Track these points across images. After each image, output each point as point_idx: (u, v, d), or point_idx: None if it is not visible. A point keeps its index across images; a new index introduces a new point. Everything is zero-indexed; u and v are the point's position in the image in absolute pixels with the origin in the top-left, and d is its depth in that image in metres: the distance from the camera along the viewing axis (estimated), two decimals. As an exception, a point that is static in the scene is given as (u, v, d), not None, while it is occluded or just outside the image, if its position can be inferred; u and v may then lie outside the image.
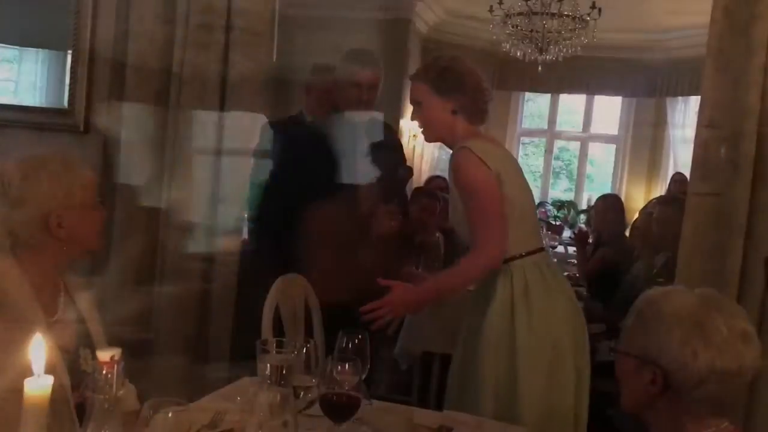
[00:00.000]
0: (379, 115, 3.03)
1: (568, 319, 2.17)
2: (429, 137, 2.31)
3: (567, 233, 7.90)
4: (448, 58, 2.30)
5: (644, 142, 8.27)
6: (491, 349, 2.11)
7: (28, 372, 0.89)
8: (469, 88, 2.21)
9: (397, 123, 7.15)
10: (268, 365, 1.21)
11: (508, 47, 5.90)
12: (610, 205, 4.96)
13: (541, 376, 2.09)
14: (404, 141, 7.60)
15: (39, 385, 0.86)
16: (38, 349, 0.89)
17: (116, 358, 1.01)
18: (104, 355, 1.00)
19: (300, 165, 2.95)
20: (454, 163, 2.18)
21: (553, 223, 8.23)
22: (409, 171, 2.75)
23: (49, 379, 0.86)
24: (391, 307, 2.11)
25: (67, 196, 1.60)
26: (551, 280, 2.18)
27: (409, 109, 8.64)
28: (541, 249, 2.25)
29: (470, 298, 2.29)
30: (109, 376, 0.98)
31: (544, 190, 8.96)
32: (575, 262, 5.40)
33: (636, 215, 5.48)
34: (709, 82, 2.27)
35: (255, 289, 2.45)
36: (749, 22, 2.19)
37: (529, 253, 2.16)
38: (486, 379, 2.11)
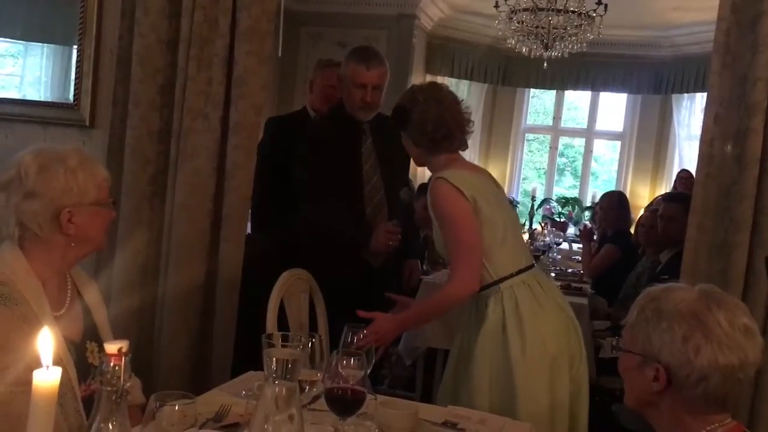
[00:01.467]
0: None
1: (562, 333, 2.18)
2: (416, 163, 2.44)
3: (572, 230, 7.90)
4: (404, 94, 2.36)
5: (649, 138, 8.25)
6: (485, 372, 2.14)
7: (35, 365, 0.89)
8: (416, 122, 2.25)
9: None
10: (274, 359, 1.21)
11: (513, 43, 5.88)
12: (615, 201, 4.96)
13: (538, 392, 2.11)
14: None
15: (48, 377, 0.86)
16: (46, 341, 0.90)
17: (124, 350, 1.01)
18: (112, 347, 1.01)
19: (303, 160, 2.96)
20: (430, 194, 2.23)
21: (558, 219, 8.22)
22: (411, 193, 2.72)
23: (58, 371, 0.86)
24: (376, 337, 2.15)
25: (81, 193, 1.61)
26: (542, 297, 2.20)
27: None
28: (530, 266, 2.27)
29: (462, 319, 2.31)
30: (117, 368, 0.98)
31: (549, 187, 8.95)
32: (580, 258, 5.40)
33: (641, 212, 5.48)
34: (715, 79, 2.26)
35: (259, 283, 2.46)
36: (756, 19, 2.18)
37: (518, 272, 2.20)
38: (480, 398, 2.13)
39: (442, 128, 2.24)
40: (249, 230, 3.19)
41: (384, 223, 2.70)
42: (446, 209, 2.18)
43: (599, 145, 9.04)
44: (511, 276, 2.18)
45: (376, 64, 2.77)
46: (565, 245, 6.80)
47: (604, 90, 8.39)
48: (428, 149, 2.28)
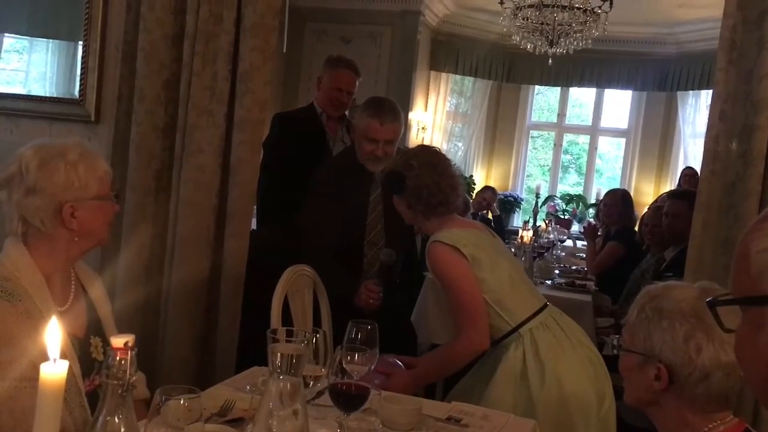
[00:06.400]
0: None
1: (583, 369, 2.16)
2: (407, 222, 2.41)
3: (576, 227, 7.90)
4: (396, 159, 2.35)
5: (654, 136, 8.24)
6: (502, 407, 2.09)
7: (39, 360, 0.90)
8: (411, 188, 2.25)
9: (406, 115, 7.15)
10: (278, 354, 1.21)
11: (518, 40, 5.87)
12: (619, 199, 4.96)
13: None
14: (412, 133, 7.59)
15: (55, 370, 0.86)
16: (53, 335, 0.90)
17: (130, 344, 1.01)
18: (118, 341, 1.01)
19: (309, 155, 2.96)
20: (428, 258, 2.24)
21: (562, 217, 8.22)
22: (392, 255, 2.62)
23: (65, 364, 0.87)
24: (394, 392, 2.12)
25: (83, 188, 1.61)
26: (561, 337, 2.20)
27: (418, 102, 8.64)
28: (544, 306, 2.27)
29: (479, 363, 2.29)
30: (123, 361, 0.98)
31: (553, 184, 8.94)
32: (584, 256, 5.40)
33: (645, 209, 5.47)
34: (721, 75, 2.25)
35: (264, 278, 2.46)
36: (763, 15, 2.17)
37: (535, 314, 2.20)
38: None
39: (438, 194, 2.24)
40: (254, 225, 3.20)
41: (366, 281, 2.68)
42: (445, 272, 2.19)
43: (604, 143, 9.03)
44: (529, 319, 2.19)
45: (390, 119, 2.71)
46: (569, 242, 6.80)
47: (609, 87, 8.38)
48: (423, 213, 2.28)
